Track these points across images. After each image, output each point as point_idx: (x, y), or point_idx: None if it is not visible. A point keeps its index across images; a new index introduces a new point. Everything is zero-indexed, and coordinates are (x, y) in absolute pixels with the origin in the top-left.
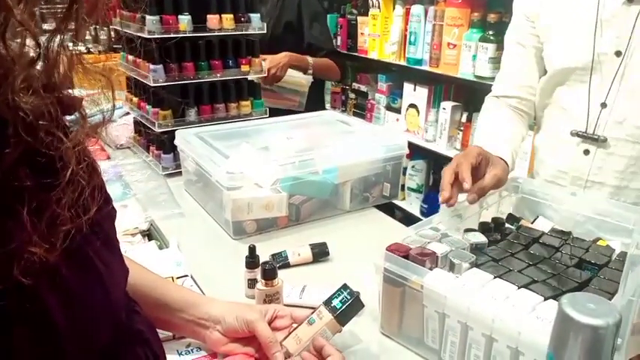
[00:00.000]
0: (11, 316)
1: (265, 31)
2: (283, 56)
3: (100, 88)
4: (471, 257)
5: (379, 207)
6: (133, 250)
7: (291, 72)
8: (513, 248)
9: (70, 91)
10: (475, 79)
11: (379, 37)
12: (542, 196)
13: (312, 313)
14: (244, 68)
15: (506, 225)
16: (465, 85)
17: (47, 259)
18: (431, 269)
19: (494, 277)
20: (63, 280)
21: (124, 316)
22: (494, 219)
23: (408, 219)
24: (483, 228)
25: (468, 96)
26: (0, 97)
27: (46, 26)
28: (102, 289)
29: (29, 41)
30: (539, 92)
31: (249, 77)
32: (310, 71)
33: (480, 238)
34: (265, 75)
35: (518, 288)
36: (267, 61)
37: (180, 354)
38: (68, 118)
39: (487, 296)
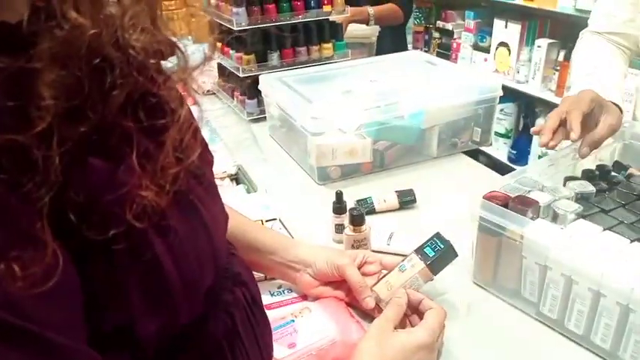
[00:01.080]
0: (122, 259)
1: None
2: None
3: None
4: (578, 207)
5: (465, 153)
6: (223, 194)
7: (353, 26)
8: (625, 199)
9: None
10: (576, 13)
11: None
12: None
13: (403, 260)
14: (326, 8)
15: (613, 173)
16: (563, 21)
17: (157, 203)
18: (532, 219)
19: (604, 230)
20: (170, 225)
21: (225, 260)
22: (599, 166)
23: (494, 165)
24: (587, 176)
25: (567, 32)
26: (108, 37)
27: None
28: (206, 233)
29: None
30: None
31: (331, 18)
32: (372, 22)
33: (587, 187)
34: (347, 15)
35: (632, 242)
36: None
37: (272, 295)
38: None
39: (596, 249)
